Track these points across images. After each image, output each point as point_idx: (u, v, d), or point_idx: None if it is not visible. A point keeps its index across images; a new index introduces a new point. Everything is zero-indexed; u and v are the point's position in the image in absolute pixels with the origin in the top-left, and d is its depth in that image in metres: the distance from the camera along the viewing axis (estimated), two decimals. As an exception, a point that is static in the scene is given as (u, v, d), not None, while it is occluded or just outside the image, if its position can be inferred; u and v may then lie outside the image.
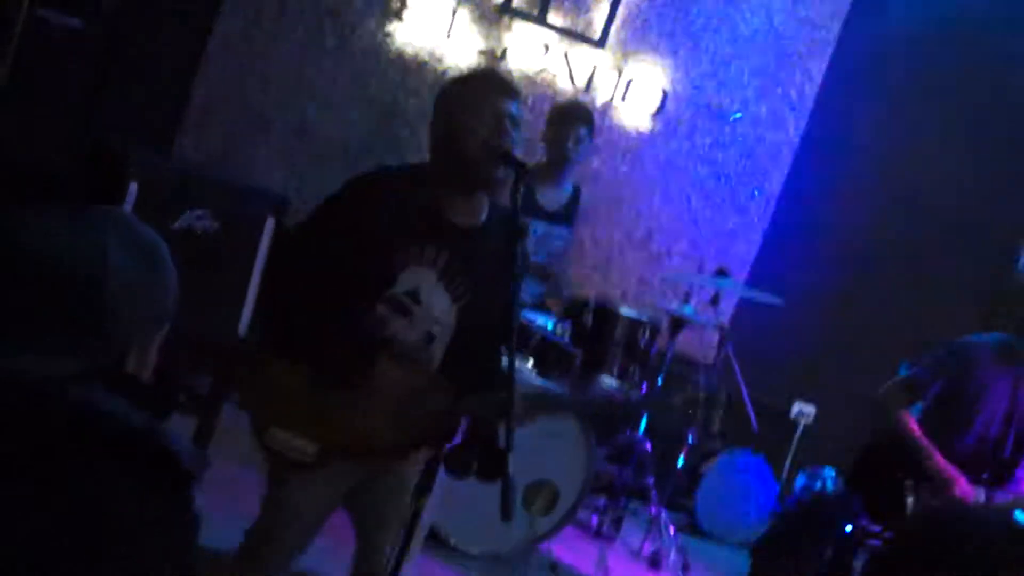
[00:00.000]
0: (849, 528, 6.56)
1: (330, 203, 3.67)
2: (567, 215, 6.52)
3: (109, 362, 2.03)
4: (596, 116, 7.24)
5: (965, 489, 4.75)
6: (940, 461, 4.86)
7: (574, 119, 6.36)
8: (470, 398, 3.50)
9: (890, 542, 1.92)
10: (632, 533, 6.66)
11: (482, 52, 7.44)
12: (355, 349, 3.53)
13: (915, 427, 5.00)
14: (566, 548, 6.16)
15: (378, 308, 3.57)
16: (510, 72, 7.41)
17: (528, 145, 6.76)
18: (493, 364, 3.59)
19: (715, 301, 6.64)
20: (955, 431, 4.92)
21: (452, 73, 7.36)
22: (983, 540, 1.88)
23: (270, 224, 5.62)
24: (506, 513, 3.35)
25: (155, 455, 1.98)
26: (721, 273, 6.57)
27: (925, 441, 4.95)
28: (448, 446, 3.64)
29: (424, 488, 3.55)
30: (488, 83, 3.67)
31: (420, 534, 3.75)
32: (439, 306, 3.62)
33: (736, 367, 6.84)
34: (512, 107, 3.60)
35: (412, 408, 3.51)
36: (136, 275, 2.01)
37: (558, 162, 6.39)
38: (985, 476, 4.80)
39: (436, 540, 5.41)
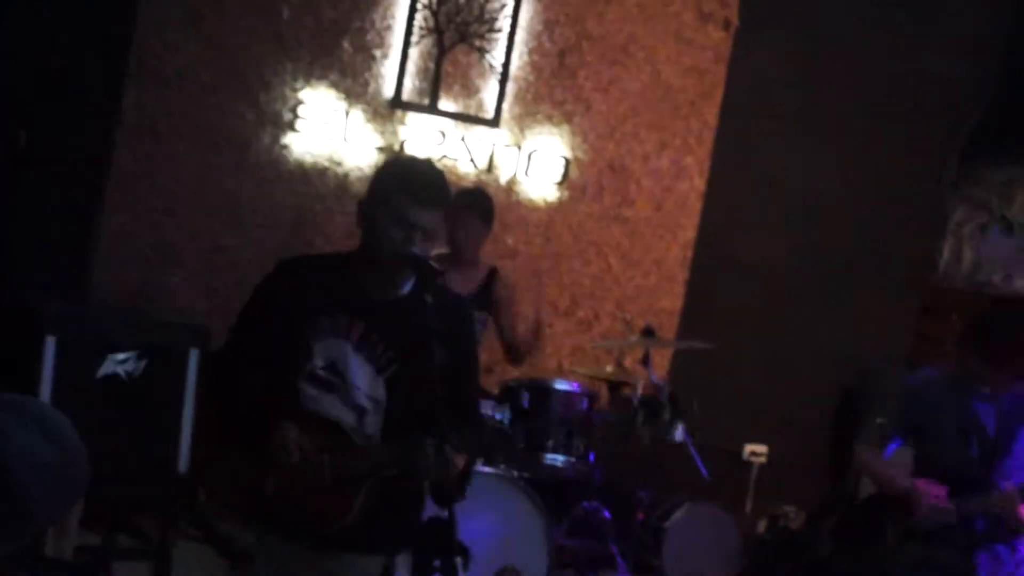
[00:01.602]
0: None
1: (259, 284, 3.78)
2: (480, 299, 6.51)
3: (27, 545, 2.01)
4: (502, 194, 7.31)
5: (930, 492, 4.75)
6: (897, 479, 4.89)
7: (461, 209, 6.33)
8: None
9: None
10: (605, 603, 6.62)
11: (380, 149, 7.46)
12: (284, 426, 3.53)
13: (869, 458, 5.03)
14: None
15: (302, 386, 3.59)
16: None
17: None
18: (443, 436, 3.56)
19: (645, 360, 6.65)
20: (927, 464, 4.93)
21: (354, 176, 7.38)
22: None
23: (195, 356, 5.59)
24: None
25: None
26: (648, 332, 6.60)
27: (879, 466, 4.98)
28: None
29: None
30: (408, 191, 3.59)
31: None
32: (362, 378, 3.62)
33: (677, 419, 6.84)
34: (426, 217, 3.57)
35: (343, 478, 3.51)
36: (42, 456, 2.00)
37: (457, 251, 6.40)
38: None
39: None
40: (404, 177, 3.70)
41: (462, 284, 6.41)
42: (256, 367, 3.64)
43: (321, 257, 3.93)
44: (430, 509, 4.19)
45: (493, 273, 6.57)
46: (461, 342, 3.76)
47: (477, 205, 6.44)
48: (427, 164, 3.91)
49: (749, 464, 7.70)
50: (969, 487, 4.75)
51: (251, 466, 3.56)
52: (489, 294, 6.53)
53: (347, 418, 3.62)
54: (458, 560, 3.54)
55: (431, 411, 3.47)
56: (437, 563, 3.99)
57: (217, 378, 3.91)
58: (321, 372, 3.60)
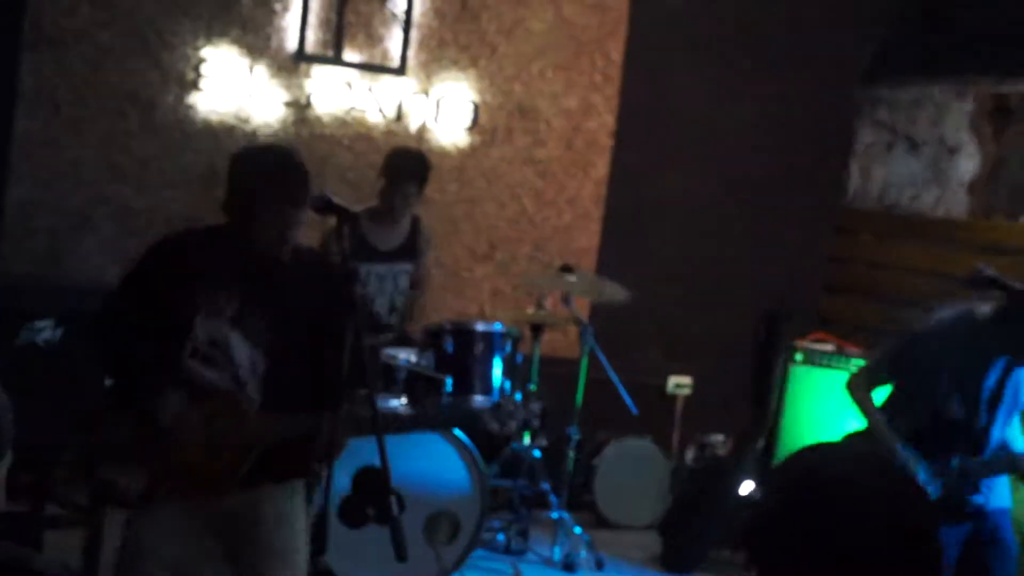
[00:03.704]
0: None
1: (130, 267, 3.96)
2: (407, 249, 6.54)
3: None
4: (412, 143, 7.30)
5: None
6: (899, 452, 4.90)
7: (403, 177, 6.43)
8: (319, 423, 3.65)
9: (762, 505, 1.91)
10: (541, 542, 6.67)
11: (287, 104, 7.39)
12: (171, 400, 3.70)
13: (874, 411, 5.03)
14: (480, 571, 6.16)
15: (188, 362, 3.74)
16: (318, 118, 7.40)
17: (356, 187, 6.80)
18: (332, 401, 3.71)
19: (565, 298, 6.68)
20: (916, 416, 4.95)
21: (262, 132, 7.31)
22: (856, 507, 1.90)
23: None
24: (400, 554, 3.41)
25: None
26: (566, 269, 6.63)
27: (883, 425, 4.97)
28: (341, 499, 3.71)
29: (320, 546, 3.59)
30: (275, 187, 3.75)
31: None
32: (239, 351, 3.77)
33: (601, 356, 6.88)
34: (301, 216, 3.78)
35: (231, 441, 3.71)
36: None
37: (389, 212, 6.45)
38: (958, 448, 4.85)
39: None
40: (274, 177, 3.78)
41: (388, 237, 6.45)
42: (142, 338, 3.78)
43: (190, 233, 4.01)
44: (362, 458, 4.22)
45: (416, 222, 6.59)
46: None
47: (414, 173, 6.50)
48: (290, 156, 3.97)
49: (674, 396, 7.77)
50: (959, 448, 4.82)
51: (141, 431, 3.70)
52: (415, 244, 6.58)
53: (229, 387, 3.78)
54: (393, 502, 3.57)
55: (313, 378, 3.73)
56: (371, 511, 4.01)
57: (100, 345, 4.00)
58: (203, 347, 3.76)
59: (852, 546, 1.86)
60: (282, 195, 3.73)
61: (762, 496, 1.99)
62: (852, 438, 4.93)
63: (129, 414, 3.71)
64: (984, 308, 4.79)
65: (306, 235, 6.86)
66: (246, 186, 3.77)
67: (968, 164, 7.95)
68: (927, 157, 8.26)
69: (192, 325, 3.73)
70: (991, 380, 4.80)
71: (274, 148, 4.15)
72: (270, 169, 3.84)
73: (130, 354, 3.79)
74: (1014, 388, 4.84)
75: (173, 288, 3.75)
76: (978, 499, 4.76)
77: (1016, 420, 4.95)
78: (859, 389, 5.04)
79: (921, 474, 4.72)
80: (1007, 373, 4.81)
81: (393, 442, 3.82)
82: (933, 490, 4.69)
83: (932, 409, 4.85)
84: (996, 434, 4.87)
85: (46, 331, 5.33)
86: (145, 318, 3.78)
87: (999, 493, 4.87)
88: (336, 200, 3.77)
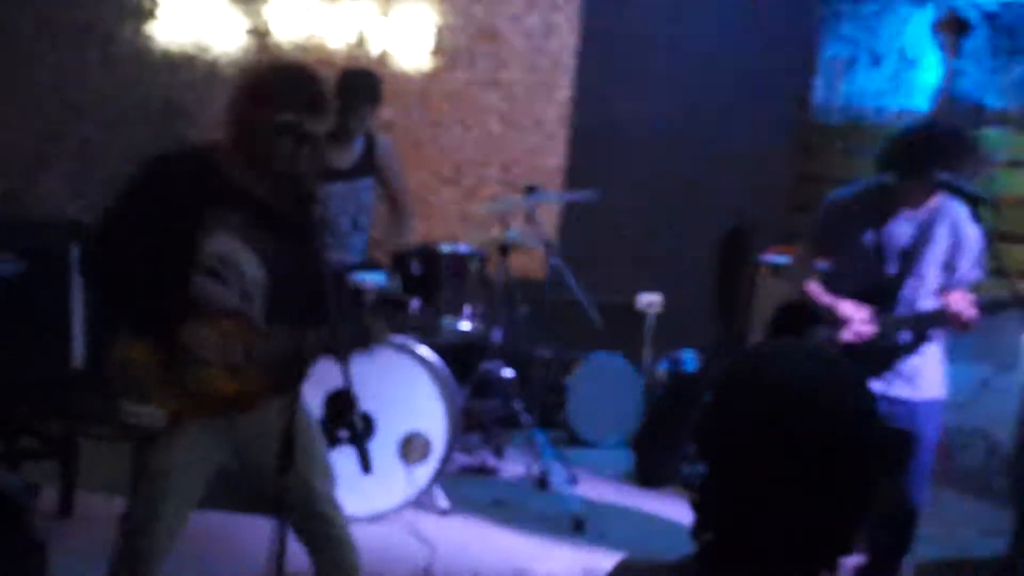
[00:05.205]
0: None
1: (127, 186, 3.77)
2: (364, 166, 6.51)
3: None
4: (374, 68, 7.24)
5: (848, 311, 4.86)
6: (824, 298, 4.95)
7: (356, 98, 6.34)
8: (313, 336, 3.63)
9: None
10: (515, 460, 6.72)
11: (248, 32, 7.33)
12: (180, 317, 3.64)
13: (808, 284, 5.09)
14: (454, 489, 6.20)
15: (195, 278, 3.67)
16: (278, 45, 7.35)
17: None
18: (318, 313, 3.69)
19: (530, 218, 6.69)
20: (846, 277, 5.02)
21: (223, 62, 7.26)
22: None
23: (76, 252, 5.52)
24: (364, 466, 3.43)
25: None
26: (530, 189, 6.62)
27: (811, 287, 5.04)
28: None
29: (285, 466, 3.58)
30: (299, 103, 3.67)
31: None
32: (248, 266, 3.73)
33: (568, 275, 6.89)
34: (318, 127, 3.69)
35: (248, 360, 3.68)
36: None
37: (345, 132, 6.39)
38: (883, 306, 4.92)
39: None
40: (291, 88, 3.70)
41: (344, 156, 6.41)
42: (151, 262, 3.66)
43: (186, 152, 3.88)
44: (332, 382, 4.26)
45: (371, 139, 6.55)
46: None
47: (368, 93, 6.41)
48: (307, 71, 3.85)
49: (644, 313, 7.79)
50: (883, 304, 4.86)
51: (159, 360, 3.64)
52: (371, 159, 6.53)
53: (238, 304, 3.72)
54: (357, 418, 3.60)
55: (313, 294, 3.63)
56: (344, 434, 4.04)
57: (103, 266, 3.83)
58: (213, 263, 3.68)
59: (791, 437, 1.90)
60: (293, 104, 3.65)
61: (709, 394, 2.03)
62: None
63: (144, 343, 3.65)
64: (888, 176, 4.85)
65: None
66: (254, 97, 3.69)
67: (929, 76, 7.95)
68: (889, 69, 8.26)
69: (200, 242, 3.66)
70: (903, 239, 4.85)
71: (287, 65, 4.02)
72: (278, 79, 3.77)
73: (137, 277, 3.68)
74: (933, 247, 4.86)
75: (180, 206, 3.65)
76: (903, 394, 4.78)
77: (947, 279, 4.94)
78: (801, 273, 5.09)
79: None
80: (922, 232, 4.85)
81: (366, 365, 3.85)
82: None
83: (855, 271, 4.93)
84: (913, 292, 4.89)
85: (8, 265, 5.32)
86: (150, 238, 3.66)
87: (928, 384, 4.89)
88: (311, 180, 3.75)
